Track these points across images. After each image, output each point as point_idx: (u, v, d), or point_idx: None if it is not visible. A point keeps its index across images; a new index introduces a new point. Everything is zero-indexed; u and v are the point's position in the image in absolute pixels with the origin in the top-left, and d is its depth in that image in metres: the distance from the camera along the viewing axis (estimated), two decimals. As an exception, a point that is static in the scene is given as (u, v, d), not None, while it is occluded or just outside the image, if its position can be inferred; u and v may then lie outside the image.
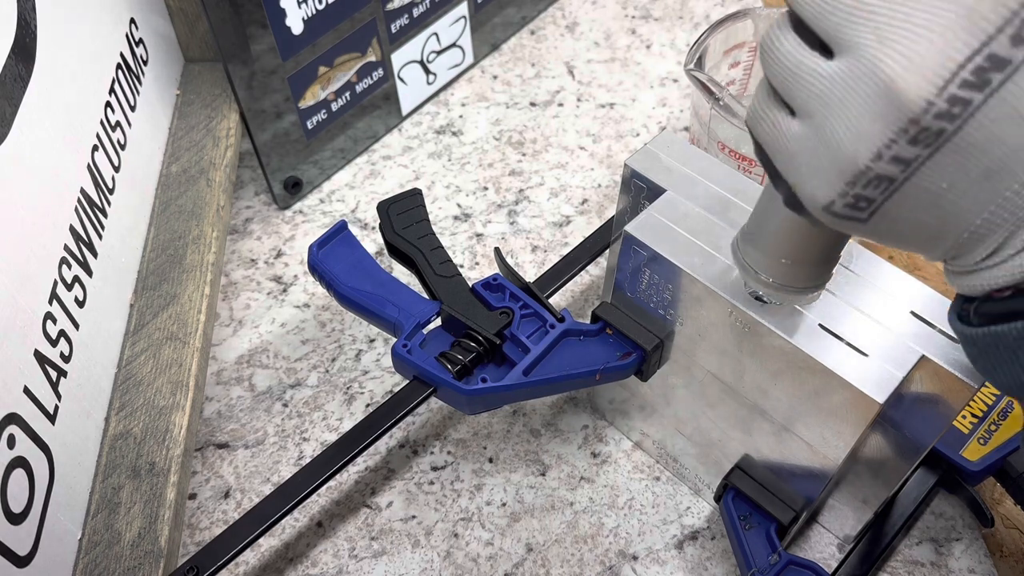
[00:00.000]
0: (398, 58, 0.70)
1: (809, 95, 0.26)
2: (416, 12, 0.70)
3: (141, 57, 0.64)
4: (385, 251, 0.59)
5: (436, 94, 0.76)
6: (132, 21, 0.63)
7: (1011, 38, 0.22)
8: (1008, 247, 0.25)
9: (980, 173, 0.24)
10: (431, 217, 0.60)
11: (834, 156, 0.26)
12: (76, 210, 0.50)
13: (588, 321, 0.47)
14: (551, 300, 0.53)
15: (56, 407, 0.45)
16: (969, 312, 0.28)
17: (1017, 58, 0.22)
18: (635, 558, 0.50)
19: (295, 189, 0.67)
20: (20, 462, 0.40)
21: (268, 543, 0.51)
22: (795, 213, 0.30)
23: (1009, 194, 0.24)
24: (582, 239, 0.57)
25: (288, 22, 0.60)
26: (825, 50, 0.26)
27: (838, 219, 0.27)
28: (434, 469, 0.53)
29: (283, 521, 0.47)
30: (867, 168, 0.25)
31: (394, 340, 0.48)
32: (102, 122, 0.55)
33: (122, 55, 0.60)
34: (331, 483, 0.52)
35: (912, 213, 0.26)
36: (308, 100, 0.65)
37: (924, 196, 0.25)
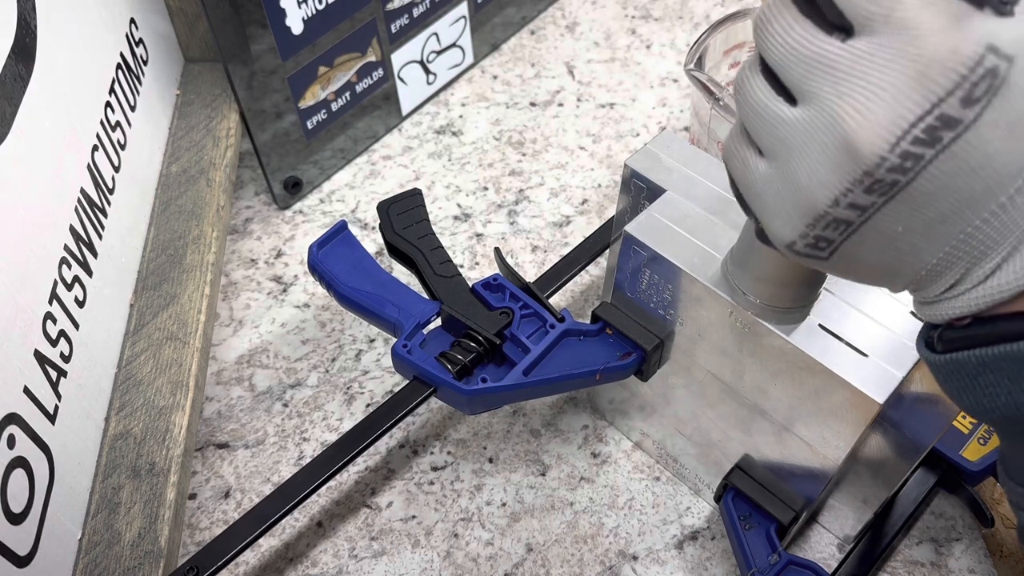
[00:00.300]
0: (398, 58, 0.70)
1: (773, 138, 0.27)
2: (416, 12, 0.70)
3: (141, 57, 0.64)
4: (385, 251, 0.59)
5: (436, 94, 0.76)
6: (132, 21, 0.63)
7: (961, 100, 0.23)
8: (964, 283, 0.26)
9: (934, 218, 0.25)
10: (431, 217, 0.60)
11: (795, 199, 0.27)
12: (76, 210, 0.50)
13: (588, 321, 0.47)
14: (551, 300, 0.53)
15: (56, 407, 0.45)
16: (934, 339, 0.29)
17: (968, 118, 0.23)
18: (635, 558, 0.50)
19: (295, 189, 0.67)
20: (20, 462, 0.40)
21: (268, 543, 0.51)
22: (766, 245, 0.31)
23: (963, 236, 0.25)
24: (582, 239, 0.57)
25: (288, 22, 0.60)
26: (790, 96, 0.26)
27: (801, 256, 0.29)
28: (434, 469, 0.53)
29: (283, 521, 0.47)
30: (825, 212, 0.26)
31: (394, 340, 0.48)
32: (102, 122, 0.55)
33: (122, 55, 0.60)
34: (331, 483, 0.52)
35: (870, 253, 0.27)
36: (308, 100, 0.65)
37: (881, 238, 0.26)
